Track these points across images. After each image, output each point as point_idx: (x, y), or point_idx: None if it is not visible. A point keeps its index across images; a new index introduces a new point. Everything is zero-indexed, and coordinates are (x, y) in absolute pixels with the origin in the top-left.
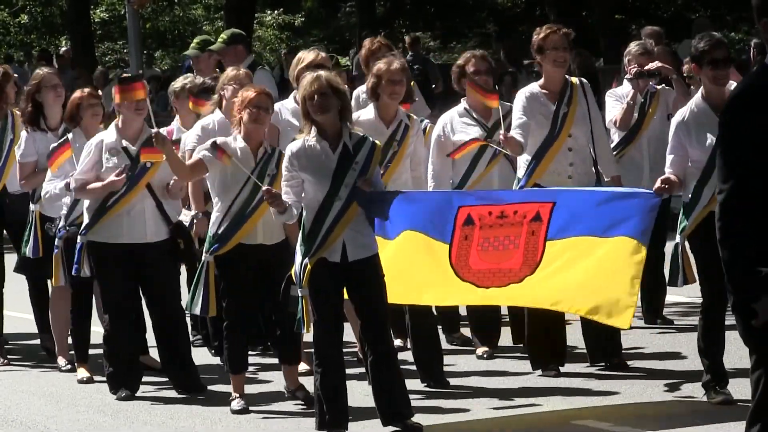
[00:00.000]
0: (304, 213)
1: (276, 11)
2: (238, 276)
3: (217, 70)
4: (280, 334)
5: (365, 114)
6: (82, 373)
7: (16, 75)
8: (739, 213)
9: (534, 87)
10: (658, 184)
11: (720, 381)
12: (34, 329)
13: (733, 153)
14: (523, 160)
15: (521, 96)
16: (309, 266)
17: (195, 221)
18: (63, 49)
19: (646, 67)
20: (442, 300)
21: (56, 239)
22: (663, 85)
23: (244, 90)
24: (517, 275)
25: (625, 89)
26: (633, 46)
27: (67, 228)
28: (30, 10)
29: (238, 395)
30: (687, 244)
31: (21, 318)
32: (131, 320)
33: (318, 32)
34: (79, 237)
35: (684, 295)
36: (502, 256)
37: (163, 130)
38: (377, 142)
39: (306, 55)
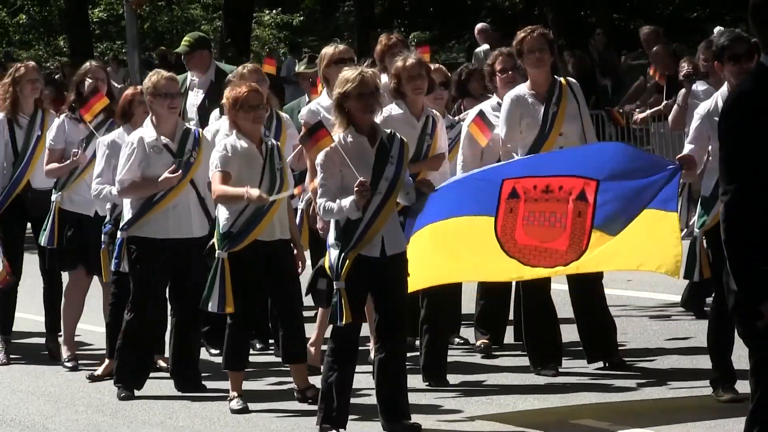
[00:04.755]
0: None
1: (274, 11)
2: (250, 273)
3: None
4: (284, 333)
5: (395, 110)
6: (103, 368)
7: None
8: (743, 214)
9: (522, 89)
10: (683, 154)
11: (728, 379)
12: (35, 329)
13: (735, 154)
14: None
15: (506, 101)
16: (349, 261)
17: None
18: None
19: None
20: (489, 276)
21: (102, 234)
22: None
23: (232, 88)
24: (563, 258)
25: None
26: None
27: (112, 223)
28: (28, 9)
29: (236, 394)
30: (705, 239)
31: (21, 318)
32: (156, 318)
33: (316, 32)
34: (119, 232)
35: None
36: (548, 233)
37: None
38: (405, 138)
39: (326, 51)
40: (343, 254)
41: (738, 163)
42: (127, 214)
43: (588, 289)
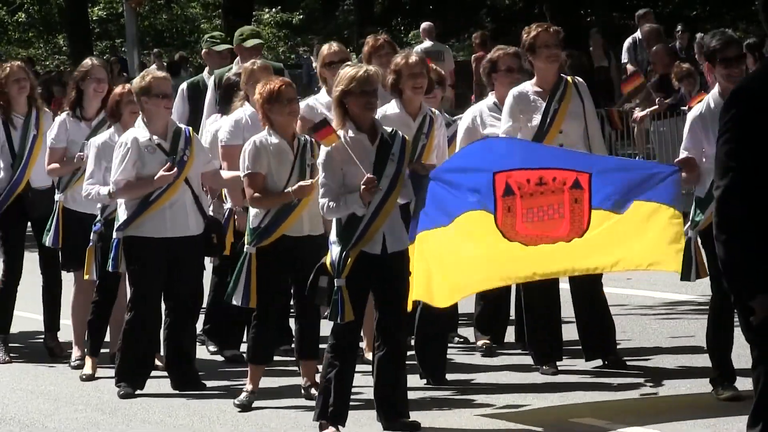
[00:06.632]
0: None
1: (274, 9)
2: (276, 269)
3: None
4: (300, 329)
5: (390, 109)
6: (88, 368)
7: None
8: (735, 210)
9: (526, 86)
10: (681, 158)
11: (728, 377)
12: (35, 327)
13: (730, 149)
14: None
15: (510, 97)
16: (351, 258)
17: (236, 216)
18: None
19: None
20: (497, 280)
21: (92, 233)
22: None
23: (264, 83)
24: (565, 240)
25: None
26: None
27: (103, 222)
28: (28, 8)
29: (251, 388)
30: (699, 239)
31: (20, 316)
32: (154, 316)
33: (316, 30)
34: (115, 233)
35: (683, 293)
36: (549, 226)
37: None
38: (406, 136)
39: (322, 50)
40: (344, 251)
41: (735, 159)
42: (122, 215)
43: (589, 290)
